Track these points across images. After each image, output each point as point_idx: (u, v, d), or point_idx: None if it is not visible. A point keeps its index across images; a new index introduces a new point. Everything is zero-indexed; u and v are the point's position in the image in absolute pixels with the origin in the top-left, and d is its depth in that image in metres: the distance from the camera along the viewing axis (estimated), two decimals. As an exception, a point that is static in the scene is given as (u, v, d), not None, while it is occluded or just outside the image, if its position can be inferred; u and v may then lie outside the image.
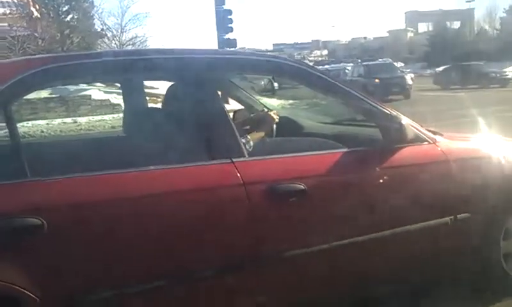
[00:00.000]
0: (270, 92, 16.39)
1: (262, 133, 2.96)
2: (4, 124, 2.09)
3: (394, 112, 2.73)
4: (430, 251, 2.78)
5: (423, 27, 76.92)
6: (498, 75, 27.47)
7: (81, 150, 2.83)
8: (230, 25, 18.92)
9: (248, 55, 2.86)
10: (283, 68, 2.82)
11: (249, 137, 2.65)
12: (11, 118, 2.11)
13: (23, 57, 3.35)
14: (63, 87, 15.15)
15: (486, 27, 62.92)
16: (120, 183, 2.13)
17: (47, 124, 13.83)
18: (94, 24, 32.57)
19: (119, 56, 2.70)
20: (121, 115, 14.46)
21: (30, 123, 13.12)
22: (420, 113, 2.85)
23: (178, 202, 2.18)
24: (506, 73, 28.05)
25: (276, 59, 2.91)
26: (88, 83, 13.85)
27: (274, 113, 3.23)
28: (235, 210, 2.27)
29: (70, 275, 1.97)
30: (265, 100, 4.14)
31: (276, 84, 16.91)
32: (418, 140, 2.74)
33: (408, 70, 32.68)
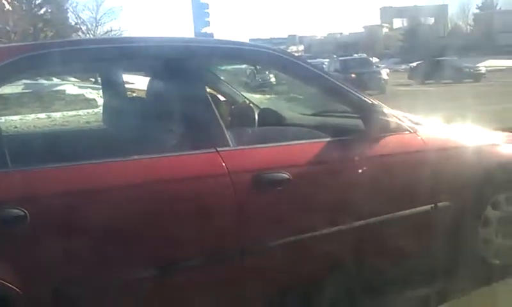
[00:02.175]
0: (267, 88, 16.28)
1: None
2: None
3: (376, 102, 2.75)
4: (411, 239, 2.81)
5: (398, 23, 77.67)
6: (471, 70, 27.95)
7: (62, 141, 2.78)
8: (206, 19, 18.78)
9: (231, 43, 2.82)
10: (266, 58, 2.80)
11: None
12: None
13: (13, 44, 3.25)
14: (36, 82, 14.91)
15: (460, 23, 63.97)
16: (103, 173, 2.09)
17: (20, 119, 13.56)
18: (68, 18, 32.21)
19: (99, 44, 2.63)
20: (96, 110, 14.39)
21: (3, 119, 12.82)
22: (396, 108, 2.89)
23: (163, 192, 2.15)
24: (479, 68, 28.57)
25: (259, 48, 2.89)
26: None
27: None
28: (220, 199, 2.26)
29: (54, 267, 1.93)
30: (246, 94, 4.12)
31: (273, 79, 16.79)
32: (399, 129, 2.77)
33: (383, 66, 32.97)
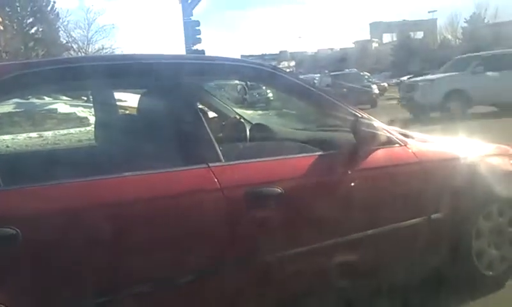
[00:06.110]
0: (264, 103, 16.39)
1: None
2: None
3: (366, 116, 2.77)
4: (404, 251, 2.82)
5: (387, 38, 78.41)
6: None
7: (54, 159, 2.78)
8: (198, 36, 18.89)
9: (222, 60, 2.85)
10: (258, 74, 2.83)
11: None
12: None
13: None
14: (27, 101, 14.87)
15: (449, 36, 64.58)
16: (95, 191, 2.09)
17: (12, 139, 13.49)
18: (60, 36, 32.26)
19: (92, 61, 2.65)
20: (88, 128, 14.36)
21: (-5, 138, 12.76)
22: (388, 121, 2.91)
23: (155, 208, 2.15)
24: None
25: (251, 64, 2.91)
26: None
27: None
28: (212, 214, 2.26)
29: (47, 286, 1.92)
30: (238, 110, 4.14)
31: (271, 94, 16.92)
32: (389, 142, 2.79)
33: (374, 80, 33.22)
